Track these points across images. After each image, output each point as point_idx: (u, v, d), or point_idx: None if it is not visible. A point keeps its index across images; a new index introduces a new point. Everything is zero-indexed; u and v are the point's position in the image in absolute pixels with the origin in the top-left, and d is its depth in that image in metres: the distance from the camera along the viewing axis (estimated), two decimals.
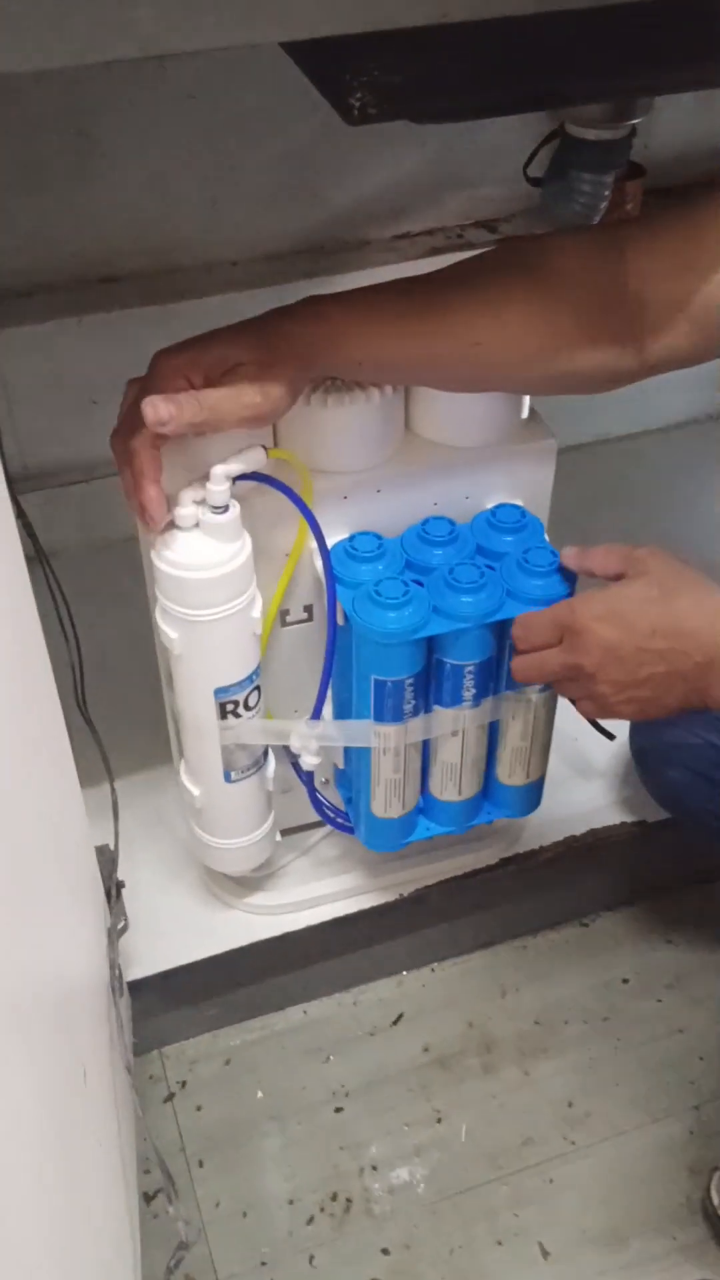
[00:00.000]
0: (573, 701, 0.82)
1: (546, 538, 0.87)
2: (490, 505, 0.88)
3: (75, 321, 1.23)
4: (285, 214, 1.30)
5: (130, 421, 0.73)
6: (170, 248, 1.28)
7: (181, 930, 1.04)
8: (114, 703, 1.13)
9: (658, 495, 1.50)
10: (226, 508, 0.75)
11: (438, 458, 0.86)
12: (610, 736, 1.14)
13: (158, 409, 0.69)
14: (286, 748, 0.89)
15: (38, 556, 1.16)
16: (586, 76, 0.68)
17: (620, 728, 1.14)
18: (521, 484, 0.88)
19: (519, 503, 0.88)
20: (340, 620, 0.84)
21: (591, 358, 0.79)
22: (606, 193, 1.21)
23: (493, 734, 0.91)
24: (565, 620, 0.77)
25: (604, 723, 1.12)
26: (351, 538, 0.84)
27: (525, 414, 0.88)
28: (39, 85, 1.13)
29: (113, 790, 1.01)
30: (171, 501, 0.76)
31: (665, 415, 1.58)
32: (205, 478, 0.75)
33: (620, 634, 0.75)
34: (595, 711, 0.80)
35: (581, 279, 0.78)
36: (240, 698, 0.83)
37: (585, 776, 1.16)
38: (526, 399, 0.88)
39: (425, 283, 0.77)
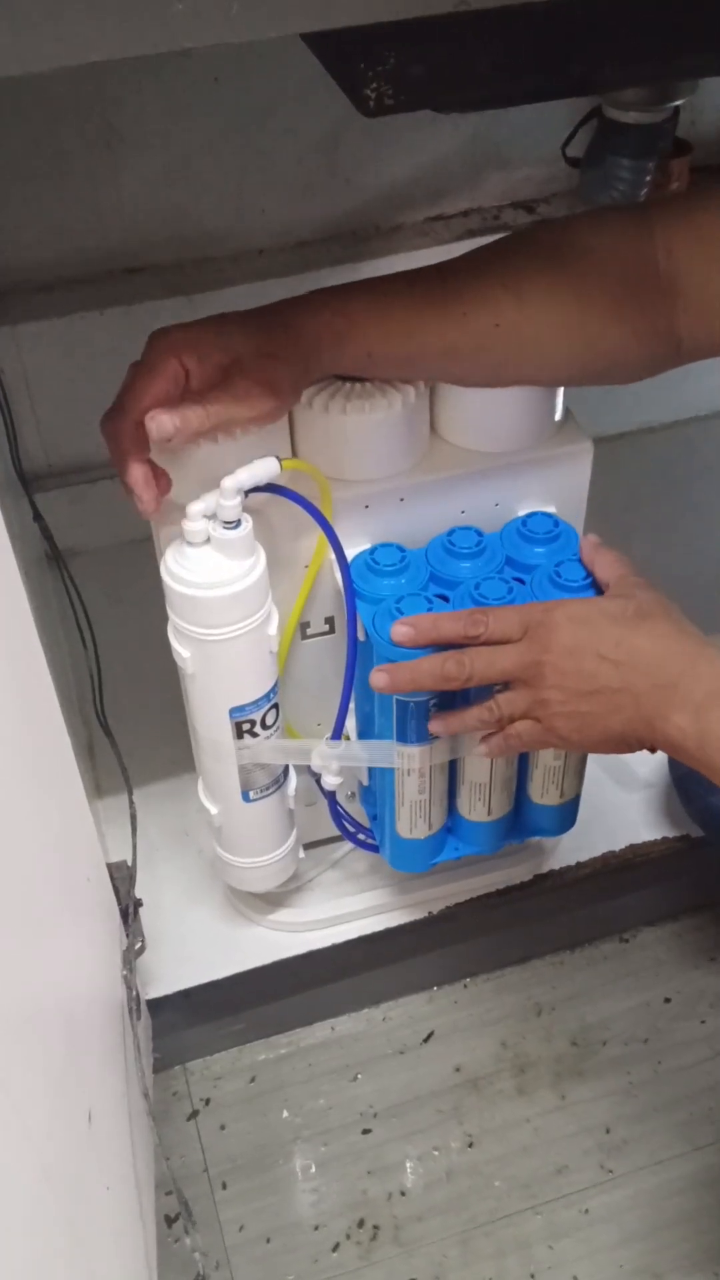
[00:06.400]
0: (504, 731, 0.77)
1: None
2: (521, 513, 0.83)
3: (98, 314, 1.20)
4: (314, 200, 1.25)
5: (115, 407, 0.69)
6: (195, 237, 1.24)
7: (205, 947, 1.01)
8: (138, 708, 1.11)
9: (702, 486, 1.44)
10: (238, 522, 0.71)
11: (465, 464, 0.81)
12: (651, 749, 1.10)
13: (161, 423, 0.65)
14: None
15: (54, 557, 1.13)
16: (618, 61, 0.63)
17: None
18: (555, 490, 0.84)
19: (552, 510, 0.83)
20: (361, 636, 0.80)
21: (620, 338, 0.74)
22: (647, 178, 1.15)
23: (524, 752, 0.87)
24: (535, 618, 0.73)
25: None
26: (373, 549, 0.80)
27: (559, 415, 0.83)
28: (61, 74, 1.09)
29: (131, 803, 0.98)
30: (178, 509, 0.72)
31: (711, 402, 1.52)
32: (215, 490, 0.71)
33: (585, 637, 0.71)
34: (532, 735, 0.75)
35: (607, 255, 0.73)
36: (257, 716, 0.79)
37: (626, 788, 1.11)
38: (559, 399, 0.83)
39: (440, 269, 0.73)
